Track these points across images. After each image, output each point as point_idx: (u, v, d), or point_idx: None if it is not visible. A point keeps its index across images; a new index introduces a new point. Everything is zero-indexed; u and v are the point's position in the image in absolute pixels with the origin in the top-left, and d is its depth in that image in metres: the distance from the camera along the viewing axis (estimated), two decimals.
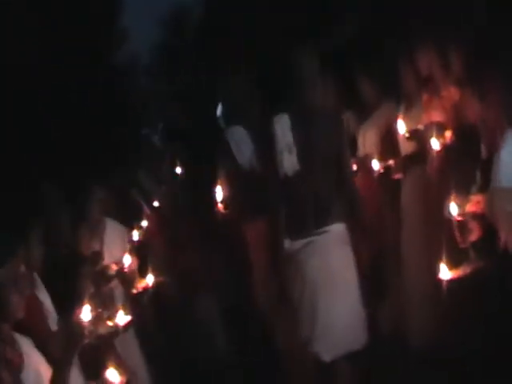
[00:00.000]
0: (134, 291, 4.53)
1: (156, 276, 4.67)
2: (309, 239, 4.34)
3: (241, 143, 5.47)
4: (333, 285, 4.31)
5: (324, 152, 4.36)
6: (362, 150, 5.61)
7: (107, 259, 4.78)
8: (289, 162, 4.36)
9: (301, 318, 4.38)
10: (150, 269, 4.77)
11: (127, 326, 3.84)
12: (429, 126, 4.69)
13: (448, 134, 4.55)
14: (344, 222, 4.38)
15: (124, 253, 5.00)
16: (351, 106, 5.78)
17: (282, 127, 4.40)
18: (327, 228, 4.35)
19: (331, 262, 4.33)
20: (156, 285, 4.66)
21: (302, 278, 4.35)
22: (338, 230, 4.38)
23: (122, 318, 3.78)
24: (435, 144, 4.54)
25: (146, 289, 4.62)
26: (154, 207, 6.47)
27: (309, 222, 4.36)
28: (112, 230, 5.23)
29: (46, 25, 11.05)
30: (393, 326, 5.31)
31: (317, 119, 4.40)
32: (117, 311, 3.85)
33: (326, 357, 4.30)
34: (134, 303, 4.34)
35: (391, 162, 5.24)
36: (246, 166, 5.39)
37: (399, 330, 5.25)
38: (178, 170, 6.76)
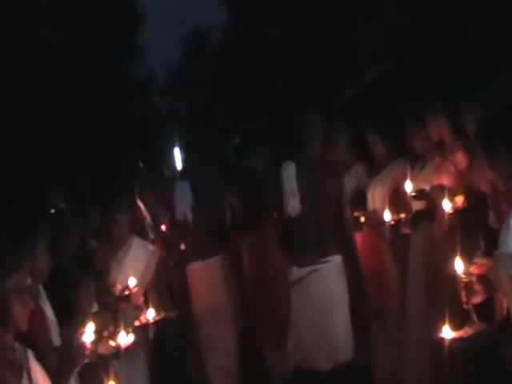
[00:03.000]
0: (136, 323, 4.42)
1: (157, 312, 4.55)
2: (313, 267, 5.09)
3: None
4: (331, 305, 5.08)
5: (324, 197, 5.10)
6: (371, 203, 5.72)
7: (127, 278, 4.72)
8: (293, 204, 5.11)
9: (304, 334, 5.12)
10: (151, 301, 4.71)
11: (129, 347, 3.79)
12: (437, 189, 4.86)
13: (458, 198, 4.65)
14: (341, 255, 5.13)
15: (149, 274, 5.00)
16: (362, 158, 5.95)
17: (288, 174, 5.14)
18: (329, 258, 5.11)
19: (331, 286, 5.10)
20: (155, 321, 4.54)
21: (307, 299, 5.09)
22: (337, 261, 5.13)
23: (124, 339, 3.74)
24: (447, 205, 4.62)
25: (145, 323, 4.51)
26: (161, 232, 6.40)
27: (313, 254, 5.10)
28: (137, 249, 5.19)
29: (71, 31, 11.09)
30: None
31: (318, 168, 5.14)
32: (119, 331, 3.80)
33: (325, 367, 5.04)
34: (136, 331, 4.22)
35: (402, 215, 5.30)
36: None
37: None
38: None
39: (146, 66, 20.31)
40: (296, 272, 5.16)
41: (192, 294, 6.07)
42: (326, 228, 5.13)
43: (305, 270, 5.12)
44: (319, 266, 5.10)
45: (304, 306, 5.14)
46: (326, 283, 5.11)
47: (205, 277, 6.06)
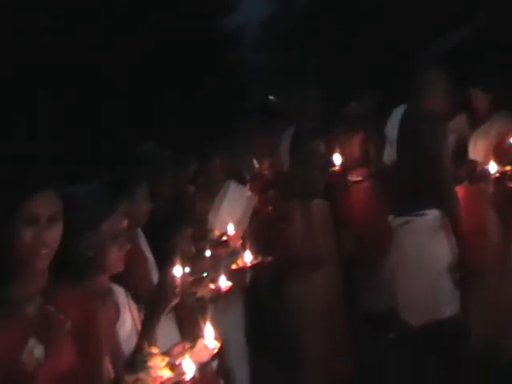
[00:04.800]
0: (234, 267, 4.39)
1: (254, 256, 4.50)
2: (407, 218, 5.01)
3: None
4: (422, 260, 4.93)
5: (423, 147, 4.93)
6: (472, 155, 5.58)
7: (224, 223, 4.69)
8: (389, 152, 5.10)
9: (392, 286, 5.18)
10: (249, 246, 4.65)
11: (228, 291, 3.78)
12: None
13: None
14: (439, 209, 4.92)
15: (246, 219, 4.99)
16: (464, 109, 5.81)
17: (392, 121, 5.12)
18: (425, 211, 4.94)
19: (423, 240, 4.95)
20: (252, 265, 4.49)
21: (398, 250, 5.12)
22: (433, 215, 4.93)
23: (224, 282, 3.74)
24: None
25: (243, 267, 4.47)
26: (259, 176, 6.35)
27: (407, 205, 5.00)
28: (234, 194, 5.16)
29: None
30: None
31: (420, 118, 5.00)
32: (219, 275, 3.80)
33: (415, 322, 4.93)
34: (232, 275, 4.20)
35: (507, 168, 5.14)
36: None
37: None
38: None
39: (237, 16, 20.16)
40: (392, 220, 5.13)
41: (289, 238, 6.01)
42: (424, 180, 4.93)
43: (399, 220, 5.07)
44: (413, 218, 4.99)
45: (395, 256, 5.18)
46: (418, 236, 4.98)
47: (304, 220, 6.00)
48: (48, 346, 2.43)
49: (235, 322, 4.92)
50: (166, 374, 2.61)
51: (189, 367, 2.63)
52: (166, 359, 2.69)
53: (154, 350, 2.74)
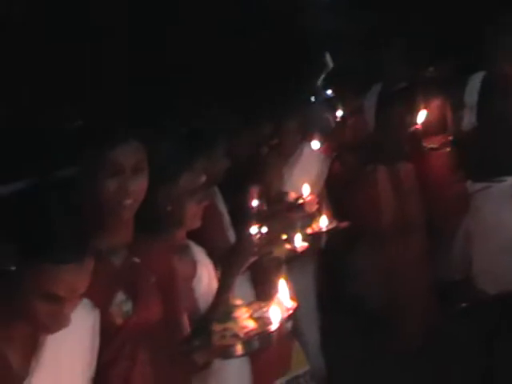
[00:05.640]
0: (309, 230, 4.34)
1: (330, 221, 4.43)
2: (487, 184, 4.89)
3: None
4: (500, 226, 4.81)
5: (505, 112, 4.80)
6: None
7: (299, 186, 4.60)
8: (469, 118, 4.97)
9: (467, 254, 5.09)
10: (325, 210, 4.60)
11: (304, 252, 3.75)
12: None
13: None
14: None
15: (321, 182, 4.93)
16: None
17: (473, 85, 4.98)
18: (505, 178, 4.85)
19: (501, 207, 4.84)
20: (327, 230, 4.43)
21: (474, 217, 5.04)
22: None
23: (300, 244, 3.71)
24: None
25: (318, 231, 4.41)
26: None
27: (487, 171, 4.88)
28: (309, 156, 5.12)
29: None
30: None
31: (504, 82, 4.83)
32: (295, 235, 3.78)
33: (491, 290, 4.80)
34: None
35: None
36: None
37: None
38: None
39: None
40: (469, 186, 5.03)
41: (371, 203, 5.92)
42: (504, 146, 4.82)
43: (477, 186, 4.96)
44: (492, 184, 4.89)
45: (471, 223, 5.11)
46: (497, 203, 4.88)
47: (390, 184, 5.91)
48: (135, 299, 2.45)
49: (307, 285, 4.90)
50: (251, 324, 2.61)
51: (275, 317, 2.62)
52: (250, 311, 2.69)
53: (238, 302, 2.74)
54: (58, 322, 2.04)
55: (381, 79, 6.17)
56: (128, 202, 2.46)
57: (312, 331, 4.98)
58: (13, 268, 1.97)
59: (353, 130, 6.24)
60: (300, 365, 3.89)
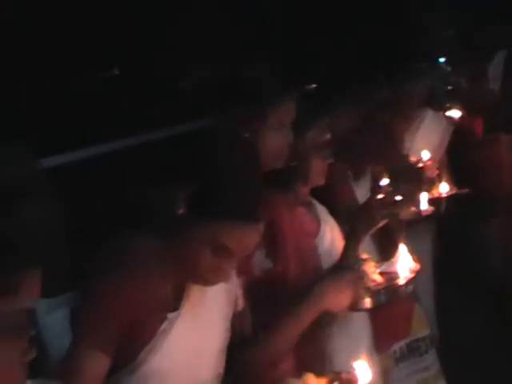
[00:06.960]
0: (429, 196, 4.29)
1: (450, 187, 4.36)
2: None
3: None
4: None
5: None
6: None
7: (420, 151, 4.54)
8: None
9: None
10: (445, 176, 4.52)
11: (428, 214, 3.74)
12: None
13: None
14: None
15: (443, 148, 4.87)
16: None
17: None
18: None
19: None
20: (447, 196, 4.35)
21: None
22: None
23: (425, 207, 3.72)
24: None
25: (438, 197, 4.34)
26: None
27: None
28: (431, 121, 5.03)
29: None
30: None
31: None
32: (417, 200, 3.78)
33: None
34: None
35: None
36: None
37: None
38: None
39: None
40: None
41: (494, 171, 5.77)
42: None
43: None
44: None
45: None
46: None
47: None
48: (273, 256, 2.51)
49: (424, 251, 4.83)
50: (379, 278, 2.61)
51: (402, 272, 2.62)
52: (377, 266, 2.69)
53: (365, 256, 2.75)
54: (219, 276, 2.10)
55: (504, 46, 5.99)
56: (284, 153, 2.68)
57: (427, 299, 4.91)
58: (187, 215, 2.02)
59: (477, 98, 6.07)
60: (421, 328, 3.86)
